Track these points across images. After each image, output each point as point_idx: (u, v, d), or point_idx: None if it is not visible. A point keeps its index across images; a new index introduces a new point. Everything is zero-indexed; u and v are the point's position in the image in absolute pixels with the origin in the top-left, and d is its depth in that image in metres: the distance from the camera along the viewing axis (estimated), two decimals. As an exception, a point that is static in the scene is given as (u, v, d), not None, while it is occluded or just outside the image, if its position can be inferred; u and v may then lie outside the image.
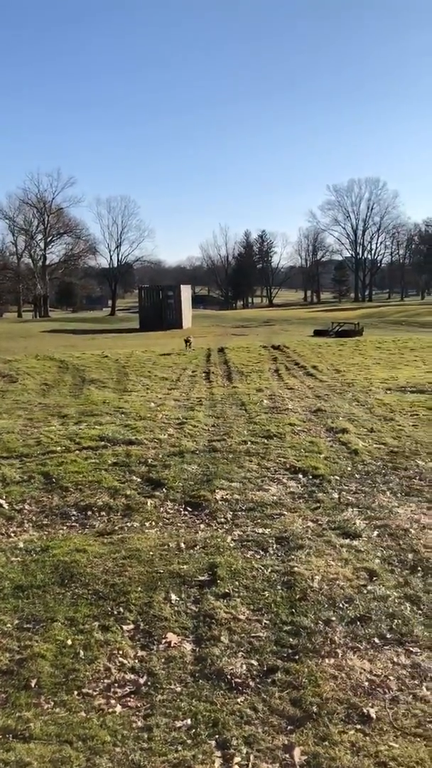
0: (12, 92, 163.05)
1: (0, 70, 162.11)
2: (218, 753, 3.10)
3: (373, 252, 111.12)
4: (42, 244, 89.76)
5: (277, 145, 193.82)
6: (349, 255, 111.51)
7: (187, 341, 23.39)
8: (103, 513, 6.33)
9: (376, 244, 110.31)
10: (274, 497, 6.66)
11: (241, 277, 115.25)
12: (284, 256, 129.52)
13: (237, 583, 4.73)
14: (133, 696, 3.55)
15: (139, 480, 7.27)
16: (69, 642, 4.04)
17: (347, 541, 5.48)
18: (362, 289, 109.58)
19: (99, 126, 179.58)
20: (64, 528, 5.99)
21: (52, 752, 3.10)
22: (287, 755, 3.06)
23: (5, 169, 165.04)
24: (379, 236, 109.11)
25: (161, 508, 6.44)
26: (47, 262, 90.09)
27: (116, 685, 3.65)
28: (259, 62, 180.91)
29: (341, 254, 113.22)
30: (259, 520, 6.03)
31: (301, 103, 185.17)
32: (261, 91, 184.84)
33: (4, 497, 6.66)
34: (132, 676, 3.72)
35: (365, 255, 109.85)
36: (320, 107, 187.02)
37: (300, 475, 7.38)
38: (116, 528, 5.92)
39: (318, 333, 34.61)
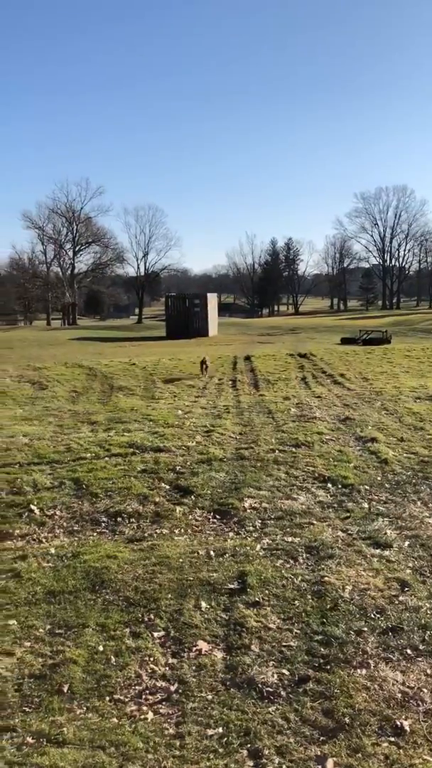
0: (41, 100, 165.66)
1: (28, 78, 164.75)
2: (250, 762, 3.09)
3: (400, 259, 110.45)
4: (71, 253, 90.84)
5: (304, 152, 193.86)
6: (376, 262, 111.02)
7: (203, 363, 18.55)
8: (132, 520, 6.37)
9: (404, 251, 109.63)
10: (303, 506, 6.64)
11: (267, 284, 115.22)
12: (311, 263, 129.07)
13: (267, 591, 4.73)
14: (164, 703, 3.56)
15: (167, 487, 7.30)
16: (100, 648, 4.07)
17: (378, 551, 5.44)
18: (390, 297, 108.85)
19: (125, 134, 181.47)
20: (95, 534, 6.03)
21: (85, 757, 3.12)
22: (320, 766, 3.04)
23: (35, 178, 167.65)
24: (406, 244, 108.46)
25: (190, 516, 6.46)
26: (76, 271, 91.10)
27: (147, 691, 3.67)
28: (286, 68, 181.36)
29: (368, 262, 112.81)
30: (288, 529, 6.01)
31: (328, 109, 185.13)
32: (287, 98, 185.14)
33: (36, 503, 6.73)
34: (163, 684, 3.74)
35: (393, 262, 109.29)
36: (348, 113, 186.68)
37: (329, 485, 7.34)
38: (146, 535, 5.95)
39: (345, 341, 34.41)
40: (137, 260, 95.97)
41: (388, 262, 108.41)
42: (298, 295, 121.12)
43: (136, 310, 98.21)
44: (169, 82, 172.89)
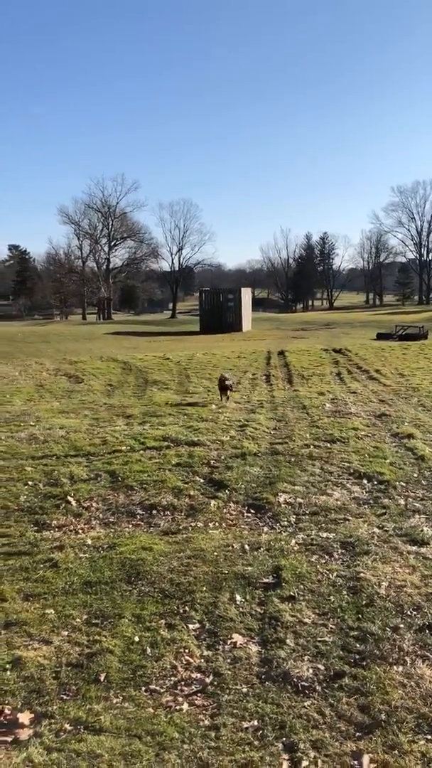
0: (73, 95, 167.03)
1: (58, 72, 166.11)
2: (285, 756, 3.09)
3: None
4: (106, 248, 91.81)
5: (340, 145, 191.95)
6: (413, 257, 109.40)
7: (224, 388, 12.33)
8: (167, 512, 6.41)
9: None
10: (338, 502, 6.60)
11: (302, 279, 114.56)
12: (346, 258, 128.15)
13: (302, 586, 4.71)
14: (199, 695, 3.58)
15: (202, 481, 7.32)
16: (136, 638, 4.11)
17: (414, 548, 5.38)
18: (426, 292, 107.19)
19: (160, 128, 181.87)
20: (130, 526, 6.09)
21: (122, 745, 3.16)
22: (356, 762, 3.03)
23: (71, 174, 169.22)
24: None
25: (224, 510, 6.47)
26: (111, 266, 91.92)
27: (183, 683, 3.69)
28: (322, 58, 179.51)
29: (405, 256, 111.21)
30: (323, 525, 5.98)
31: (367, 100, 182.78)
32: (326, 89, 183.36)
33: (72, 494, 6.82)
34: (198, 675, 3.76)
35: (430, 257, 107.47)
36: (384, 106, 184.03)
37: (364, 481, 7.28)
38: (180, 528, 5.99)
39: (381, 336, 34.05)
40: (171, 255, 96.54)
41: (425, 256, 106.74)
42: (332, 290, 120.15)
43: (170, 305, 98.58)
44: (203, 73, 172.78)
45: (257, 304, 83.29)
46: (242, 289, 49.12)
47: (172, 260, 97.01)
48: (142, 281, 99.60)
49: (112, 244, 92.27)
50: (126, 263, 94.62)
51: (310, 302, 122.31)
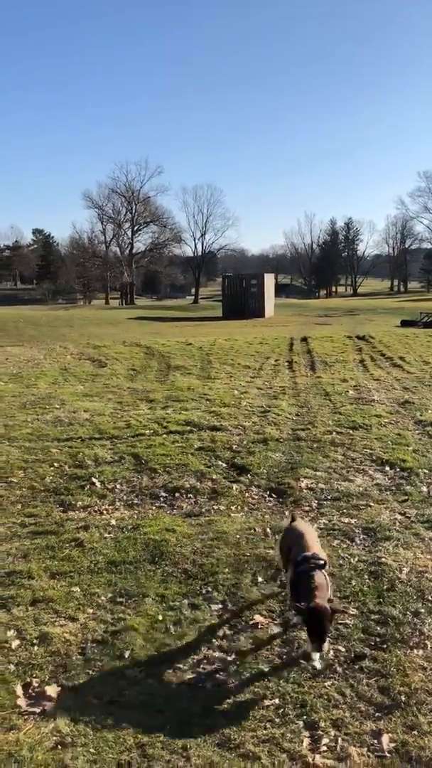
0: (98, 81, 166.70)
1: (82, 58, 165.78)
2: (306, 733, 3.16)
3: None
4: (129, 233, 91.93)
5: (365, 129, 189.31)
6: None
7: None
8: (190, 495, 6.48)
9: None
10: (360, 488, 6.62)
11: (326, 265, 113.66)
12: (370, 244, 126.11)
13: (323, 570, 4.75)
14: (221, 673, 3.66)
15: (224, 465, 7.38)
16: (160, 617, 4.19)
17: (437, 534, 5.38)
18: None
19: (184, 113, 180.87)
20: (154, 508, 6.18)
21: (146, 719, 3.25)
22: (375, 741, 3.08)
23: (92, 158, 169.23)
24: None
25: (246, 494, 6.53)
26: (134, 251, 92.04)
27: (206, 661, 3.77)
28: (346, 43, 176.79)
29: (431, 243, 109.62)
30: (344, 510, 6.01)
31: (393, 86, 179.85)
32: (347, 75, 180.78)
33: (97, 476, 6.92)
34: (220, 654, 3.83)
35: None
36: (410, 91, 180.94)
37: (387, 467, 7.28)
38: (203, 510, 6.06)
39: (405, 323, 33.70)
40: (194, 240, 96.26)
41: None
42: (356, 277, 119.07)
43: (193, 290, 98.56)
44: (227, 59, 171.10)
45: (280, 290, 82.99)
46: (265, 275, 48.87)
47: (195, 245, 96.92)
48: (164, 266, 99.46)
49: (136, 228, 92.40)
50: (149, 248, 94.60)
51: (333, 288, 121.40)
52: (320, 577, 3.71)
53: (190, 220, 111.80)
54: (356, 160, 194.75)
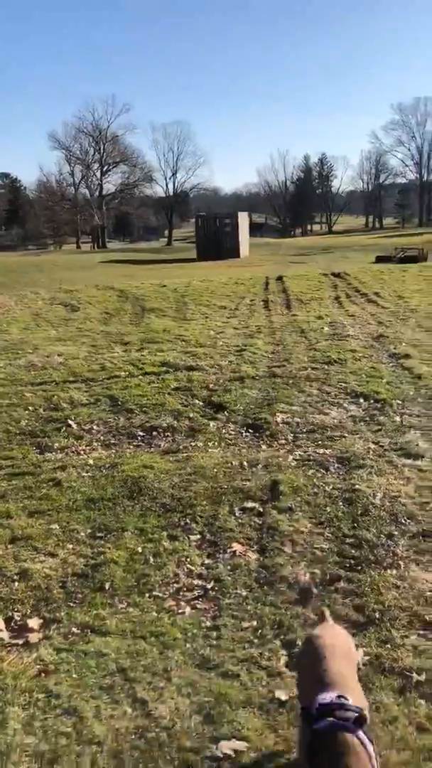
0: (61, 16, 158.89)
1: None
2: (284, 652, 3.26)
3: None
4: (98, 174, 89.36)
5: (338, 62, 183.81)
6: (413, 177, 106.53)
7: None
8: (167, 434, 6.51)
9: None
10: (335, 420, 6.69)
11: (300, 203, 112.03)
12: (345, 180, 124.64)
13: (299, 498, 4.85)
14: (201, 599, 3.74)
15: (201, 404, 7.39)
16: (139, 550, 4.25)
17: (409, 461, 5.49)
18: (426, 213, 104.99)
19: (151, 48, 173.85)
20: (131, 447, 6.20)
21: (127, 645, 3.33)
22: (350, 655, 3.19)
23: (58, 96, 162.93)
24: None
25: (223, 430, 6.57)
26: (104, 192, 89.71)
27: (185, 589, 3.85)
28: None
29: (405, 177, 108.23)
30: (320, 442, 6.09)
31: (361, 21, 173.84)
32: (319, 6, 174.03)
33: (73, 418, 6.90)
34: (200, 582, 3.91)
35: (430, 177, 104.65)
36: (383, 23, 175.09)
37: (361, 400, 7.36)
38: (181, 447, 6.09)
39: (380, 259, 33.66)
40: (166, 179, 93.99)
41: (425, 176, 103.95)
42: (331, 214, 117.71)
43: (166, 233, 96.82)
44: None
45: (255, 229, 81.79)
46: (239, 214, 48.19)
47: (167, 185, 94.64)
48: (136, 208, 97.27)
49: (105, 169, 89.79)
50: (119, 189, 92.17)
51: (308, 227, 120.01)
52: (356, 749, 2.06)
53: (160, 158, 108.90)
54: (329, 94, 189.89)
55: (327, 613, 2.99)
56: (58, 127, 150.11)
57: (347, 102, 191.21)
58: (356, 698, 2.26)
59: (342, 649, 2.55)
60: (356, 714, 2.13)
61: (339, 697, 2.20)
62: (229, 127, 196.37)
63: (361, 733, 2.09)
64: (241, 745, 2.67)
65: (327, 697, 2.20)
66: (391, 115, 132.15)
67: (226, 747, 2.66)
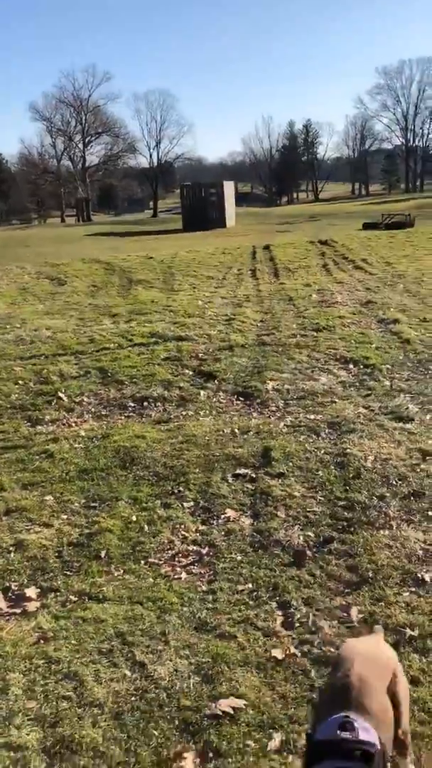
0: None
1: None
2: (279, 612, 3.31)
3: (425, 138, 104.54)
4: (81, 145, 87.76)
5: (322, 25, 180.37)
6: (399, 143, 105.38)
7: None
8: (158, 404, 6.51)
9: (429, 129, 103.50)
10: (325, 386, 6.71)
11: (286, 171, 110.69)
12: (330, 146, 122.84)
13: (291, 464, 4.88)
14: (196, 564, 3.78)
15: (191, 373, 7.39)
16: (134, 518, 4.27)
17: (400, 424, 5.53)
18: (413, 179, 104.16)
19: (131, 16, 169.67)
20: (122, 418, 6.19)
21: (125, 611, 3.36)
22: (345, 614, 3.25)
23: (38, 68, 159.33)
24: (431, 122, 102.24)
25: (214, 399, 6.58)
26: (87, 164, 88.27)
27: (180, 555, 3.88)
28: None
29: (391, 142, 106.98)
30: (310, 408, 6.11)
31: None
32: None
33: (63, 391, 6.88)
34: (195, 548, 3.95)
35: (416, 142, 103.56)
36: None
37: (351, 365, 7.38)
38: (172, 417, 6.10)
39: (367, 226, 33.42)
40: (149, 150, 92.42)
41: (411, 141, 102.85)
42: (317, 181, 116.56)
43: (151, 204, 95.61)
44: None
45: (241, 199, 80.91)
46: (225, 183, 47.60)
47: (151, 155, 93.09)
48: (120, 179, 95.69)
49: (87, 140, 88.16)
50: (102, 161, 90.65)
51: (295, 195, 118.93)
52: None
53: (143, 128, 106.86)
54: (313, 59, 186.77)
55: (379, 626, 2.71)
56: (39, 98, 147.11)
57: (332, 66, 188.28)
58: (375, 716, 1.87)
59: (376, 659, 2.13)
60: (373, 749, 1.69)
61: (346, 719, 1.76)
62: (211, 95, 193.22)
63: None
64: (239, 702, 2.72)
65: (331, 724, 1.78)
66: (376, 79, 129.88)
67: (225, 705, 2.71)
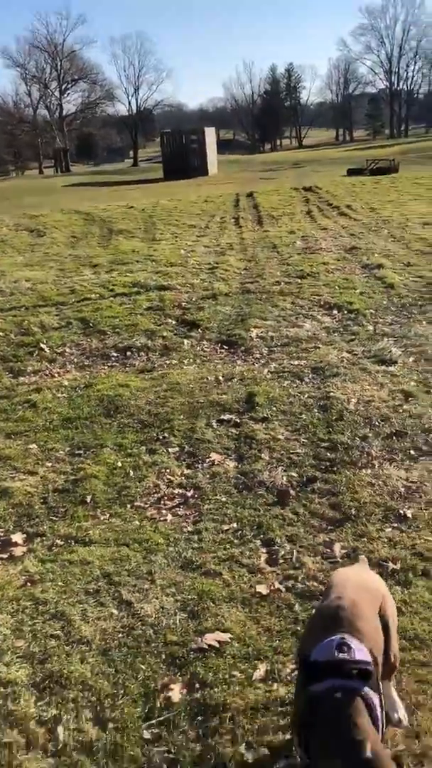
0: None
1: None
2: (264, 549, 3.36)
3: (409, 81, 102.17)
4: (57, 93, 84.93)
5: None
6: (383, 86, 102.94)
7: None
8: (142, 353, 6.47)
9: (413, 72, 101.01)
10: (309, 332, 6.69)
11: (268, 117, 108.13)
12: (314, 91, 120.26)
13: (275, 408, 4.89)
14: (182, 507, 3.81)
15: (174, 322, 7.33)
16: (119, 464, 4.29)
17: (383, 367, 5.55)
18: (398, 124, 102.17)
19: None
20: (106, 368, 6.16)
21: (111, 553, 3.40)
22: (328, 550, 3.30)
23: (9, 8, 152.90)
24: (416, 63, 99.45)
25: (198, 347, 6.55)
26: (64, 113, 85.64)
27: (166, 498, 3.91)
28: None
29: (375, 86, 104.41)
30: (294, 354, 6.10)
31: None
32: None
33: (45, 342, 6.82)
34: (180, 491, 3.98)
35: (401, 85, 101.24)
36: None
37: (335, 311, 7.35)
38: (156, 366, 6.08)
39: (352, 172, 32.90)
40: (128, 97, 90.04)
41: (395, 84, 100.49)
42: (301, 128, 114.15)
43: (131, 153, 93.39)
44: None
45: (223, 146, 79.24)
46: (206, 129, 46.42)
47: (129, 102, 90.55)
48: (99, 128, 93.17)
49: (63, 87, 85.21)
50: (80, 109, 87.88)
51: (278, 142, 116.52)
52: (359, 718, 1.67)
53: (121, 74, 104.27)
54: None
55: (362, 555, 2.84)
56: (12, 42, 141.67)
57: (313, 6, 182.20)
58: (368, 637, 1.91)
59: (366, 585, 2.21)
60: (368, 667, 1.77)
61: (342, 641, 1.82)
62: (191, 39, 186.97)
63: (367, 690, 1.74)
64: (224, 636, 2.78)
65: (327, 645, 1.83)
66: (360, 19, 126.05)
67: (211, 639, 2.77)
